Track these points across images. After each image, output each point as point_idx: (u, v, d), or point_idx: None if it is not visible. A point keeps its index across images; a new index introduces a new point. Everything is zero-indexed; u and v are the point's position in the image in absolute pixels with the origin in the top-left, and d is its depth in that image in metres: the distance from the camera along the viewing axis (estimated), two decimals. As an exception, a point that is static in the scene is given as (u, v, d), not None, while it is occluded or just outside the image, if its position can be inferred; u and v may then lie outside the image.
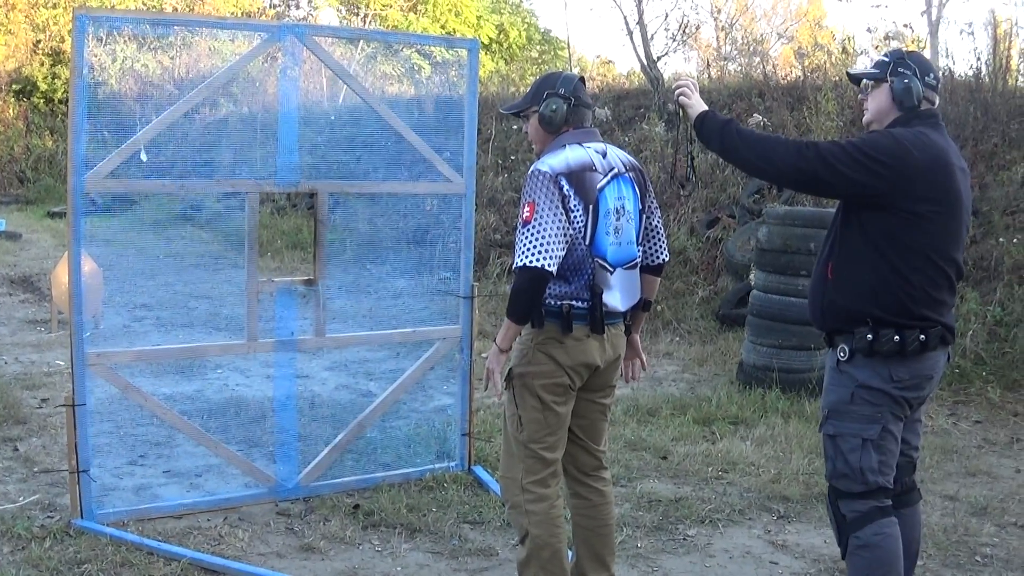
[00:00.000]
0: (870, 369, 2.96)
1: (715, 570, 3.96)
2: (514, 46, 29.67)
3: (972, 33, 14.35)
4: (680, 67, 30.26)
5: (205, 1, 24.46)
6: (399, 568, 3.87)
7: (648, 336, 8.19)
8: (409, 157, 4.83)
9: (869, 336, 2.92)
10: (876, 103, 3.08)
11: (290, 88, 4.35)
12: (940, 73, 8.39)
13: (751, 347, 6.77)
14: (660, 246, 3.45)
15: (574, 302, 3.14)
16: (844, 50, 14.23)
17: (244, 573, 3.74)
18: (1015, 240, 7.78)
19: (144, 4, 23.76)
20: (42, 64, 22.94)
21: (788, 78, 13.54)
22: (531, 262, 3.01)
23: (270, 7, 28.44)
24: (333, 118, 11.23)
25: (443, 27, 27.52)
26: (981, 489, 4.93)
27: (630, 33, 15.05)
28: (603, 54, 40.98)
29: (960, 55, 44.13)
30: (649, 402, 6.30)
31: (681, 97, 3.20)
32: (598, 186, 3.16)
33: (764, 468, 5.08)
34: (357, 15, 27.93)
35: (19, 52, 22.87)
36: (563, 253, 3.07)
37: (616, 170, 3.25)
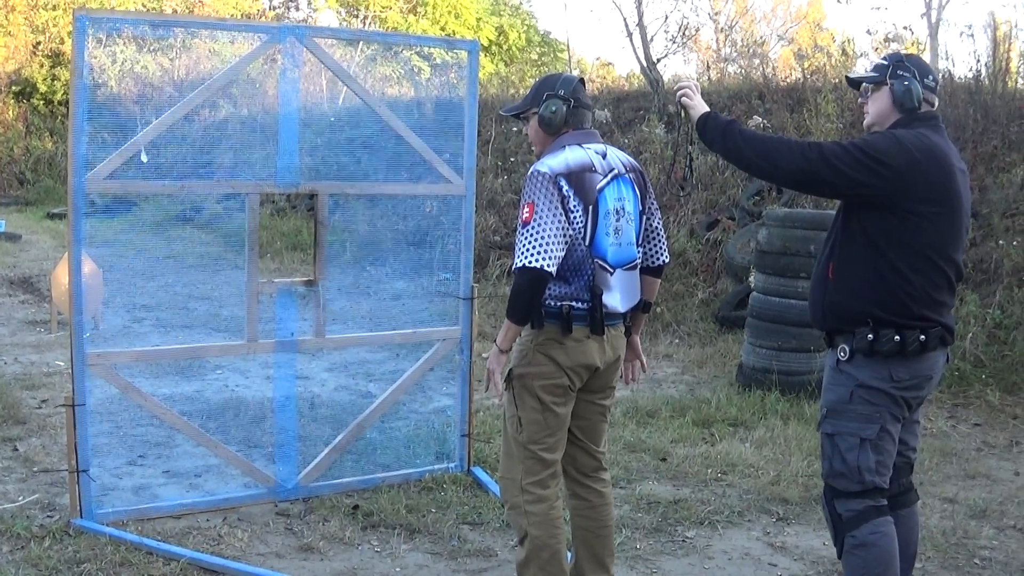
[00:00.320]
0: (870, 369, 2.96)
1: (714, 572, 3.96)
2: (514, 48, 29.68)
3: (972, 35, 14.45)
4: (680, 69, 30.28)
5: (205, 3, 24.47)
6: (398, 569, 3.87)
7: (648, 338, 8.19)
8: (409, 159, 4.83)
9: (870, 336, 2.93)
10: (877, 106, 3.10)
11: (290, 89, 4.36)
12: (940, 75, 8.41)
13: (751, 349, 6.77)
14: (660, 248, 3.46)
15: (574, 303, 3.14)
16: (844, 52, 14.23)
17: (243, 573, 3.74)
18: (1015, 243, 7.78)
19: (144, 6, 23.76)
20: (42, 66, 22.96)
21: (788, 80, 13.54)
22: (530, 263, 3.01)
23: (270, 9, 28.48)
24: (333, 120, 11.24)
25: (442, 29, 27.52)
26: (980, 492, 4.94)
27: (630, 35, 15.04)
28: (603, 56, 41.02)
29: (960, 57, 44.25)
30: (648, 404, 6.30)
31: (683, 98, 3.21)
32: (598, 187, 3.17)
33: (763, 470, 5.08)
34: (357, 17, 27.95)
35: (19, 54, 22.88)
36: (563, 254, 3.08)
37: (616, 171, 3.26)
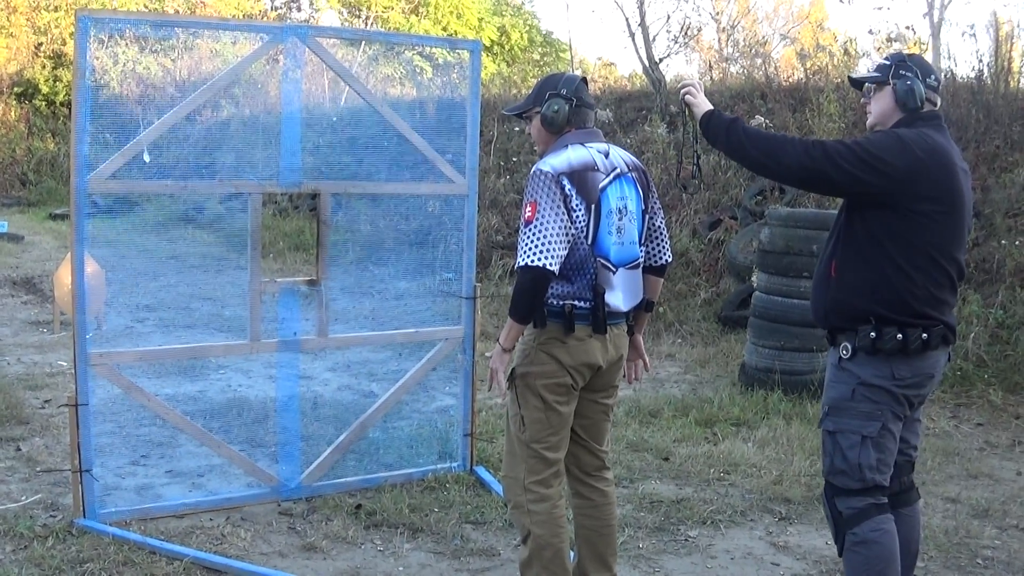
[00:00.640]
0: (872, 367, 2.97)
1: (716, 571, 3.96)
2: (516, 48, 29.68)
3: (974, 35, 14.40)
4: (682, 69, 30.30)
5: (207, 3, 24.49)
6: (401, 568, 3.88)
7: (650, 337, 8.20)
8: (411, 158, 4.83)
9: (872, 334, 2.94)
10: (879, 106, 3.11)
11: (292, 89, 4.36)
12: (942, 75, 8.40)
13: (753, 349, 6.77)
14: (663, 247, 3.46)
15: (576, 302, 3.15)
16: (846, 52, 14.25)
17: (246, 572, 3.74)
18: (1017, 243, 7.78)
19: (146, 7, 23.78)
20: (44, 67, 23.00)
21: (790, 80, 13.53)
22: (533, 261, 3.01)
23: (272, 9, 28.51)
24: (335, 119, 11.26)
25: (444, 29, 27.53)
26: (982, 491, 4.93)
27: (632, 35, 15.04)
28: (605, 56, 41.00)
29: (962, 57, 44.24)
30: (651, 403, 6.30)
31: (687, 96, 3.21)
32: (600, 186, 3.17)
33: (766, 470, 5.08)
34: (359, 17, 27.97)
35: (21, 55, 22.93)
36: (565, 253, 3.08)
37: (618, 170, 3.26)
